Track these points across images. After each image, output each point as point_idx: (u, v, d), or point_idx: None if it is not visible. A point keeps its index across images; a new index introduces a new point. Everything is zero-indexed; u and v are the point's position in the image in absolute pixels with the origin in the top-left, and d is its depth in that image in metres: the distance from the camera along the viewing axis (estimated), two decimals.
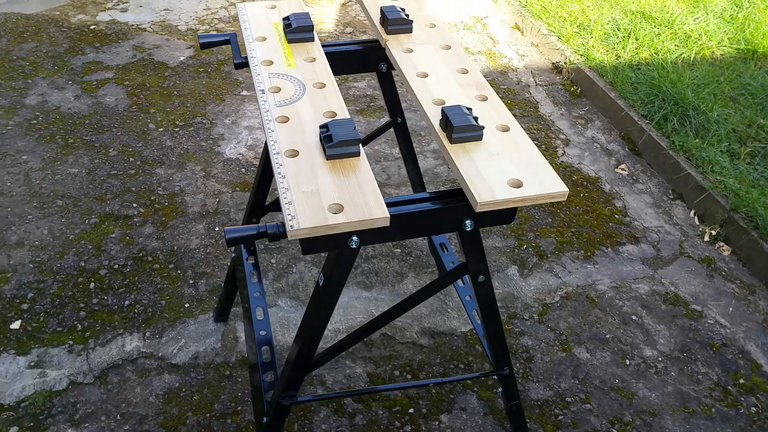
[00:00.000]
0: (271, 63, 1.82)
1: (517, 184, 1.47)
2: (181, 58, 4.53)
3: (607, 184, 3.75)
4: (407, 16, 1.99)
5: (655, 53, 4.55)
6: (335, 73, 1.88)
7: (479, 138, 1.58)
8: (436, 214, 1.56)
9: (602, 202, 3.61)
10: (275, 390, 1.92)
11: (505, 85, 4.54)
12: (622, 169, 3.86)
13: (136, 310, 2.86)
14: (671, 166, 3.75)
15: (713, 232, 3.43)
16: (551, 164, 1.77)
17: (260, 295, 2.29)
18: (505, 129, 1.64)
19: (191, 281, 3.00)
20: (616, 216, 3.53)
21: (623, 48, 4.62)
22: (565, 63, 4.63)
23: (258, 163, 3.59)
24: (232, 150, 3.75)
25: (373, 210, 1.40)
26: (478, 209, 1.43)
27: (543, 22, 5.01)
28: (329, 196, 1.42)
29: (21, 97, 4.05)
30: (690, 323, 3.00)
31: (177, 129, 3.87)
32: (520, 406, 2.27)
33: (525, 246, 3.31)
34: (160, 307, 2.88)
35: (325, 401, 2.56)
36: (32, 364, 2.64)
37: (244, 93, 4.23)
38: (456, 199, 1.57)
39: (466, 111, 1.59)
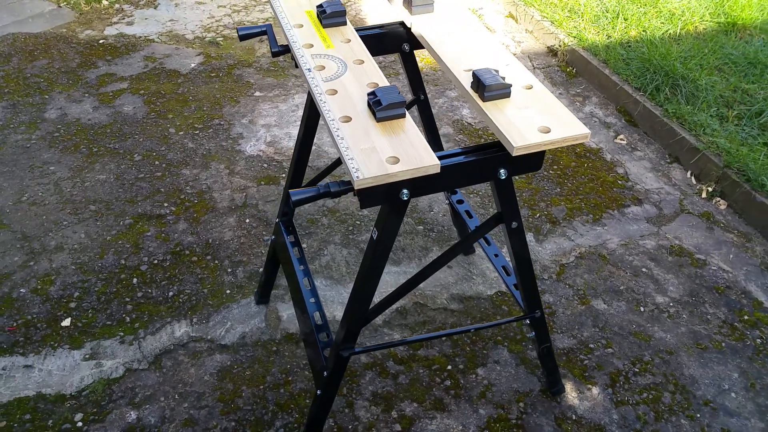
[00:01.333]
0: (312, 46, 2.02)
1: (546, 130, 1.68)
2: (192, 65, 4.68)
3: (609, 154, 3.95)
4: None
5: (643, 31, 4.76)
6: None
7: (508, 95, 1.79)
8: (477, 164, 1.77)
9: (605, 170, 3.82)
10: (334, 343, 2.11)
11: None
12: (621, 139, 4.07)
13: (180, 300, 3.01)
14: (666, 132, 3.96)
15: (709, 189, 3.65)
16: None
17: (305, 268, 2.47)
18: (529, 87, 1.85)
19: (229, 270, 3.16)
20: (619, 182, 3.74)
21: (613, 28, 4.82)
22: (560, 46, 4.83)
23: (281, 159, 3.77)
24: (252, 147, 3.92)
25: (425, 159, 1.60)
26: (514, 153, 1.64)
27: (536, 9, 5.21)
28: (385, 151, 1.62)
29: (40, 112, 4.17)
30: (695, 271, 3.22)
31: (197, 131, 4.04)
32: (551, 348, 2.47)
33: (538, 215, 3.51)
34: (203, 295, 3.04)
35: (369, 366, 2.74)
36: (87, 356, 2.77)
37: (258, 94, 4.39)
38: (493, 150, 1.78)
39: (495, 72, 1.79)
